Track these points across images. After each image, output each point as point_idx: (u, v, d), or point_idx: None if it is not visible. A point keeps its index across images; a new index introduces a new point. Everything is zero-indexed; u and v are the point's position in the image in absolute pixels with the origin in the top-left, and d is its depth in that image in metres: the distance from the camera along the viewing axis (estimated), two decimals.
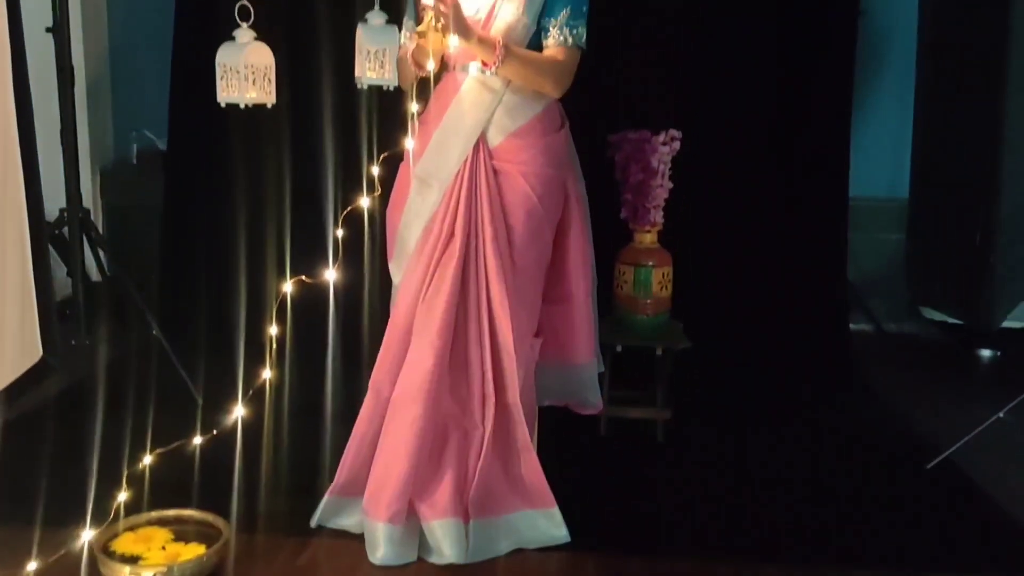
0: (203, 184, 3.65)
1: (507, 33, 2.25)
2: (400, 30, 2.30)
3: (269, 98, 2.24)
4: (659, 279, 2.99)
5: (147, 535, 2.27)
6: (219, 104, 2.22)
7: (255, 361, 2.61)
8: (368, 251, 2.74)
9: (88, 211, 3.14)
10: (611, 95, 3.47)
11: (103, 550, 2.18)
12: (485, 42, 2.18)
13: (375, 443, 2.32)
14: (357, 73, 2.19)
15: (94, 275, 3.27)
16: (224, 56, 2.19)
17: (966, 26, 3.51)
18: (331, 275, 2.47)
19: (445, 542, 2.26)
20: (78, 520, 2.24)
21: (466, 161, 2.30)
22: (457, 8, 2.11)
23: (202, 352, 3.25)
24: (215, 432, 2.53)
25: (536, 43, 2.31)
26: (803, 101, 3.59)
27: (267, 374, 2.53)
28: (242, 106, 2.19)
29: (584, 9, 2.29)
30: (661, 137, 2.93)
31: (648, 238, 3.01)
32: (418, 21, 2.19)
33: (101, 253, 3.20)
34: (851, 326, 3.78)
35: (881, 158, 4.07)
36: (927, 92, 3.79)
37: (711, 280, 3.50)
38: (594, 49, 2.42)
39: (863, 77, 3.85)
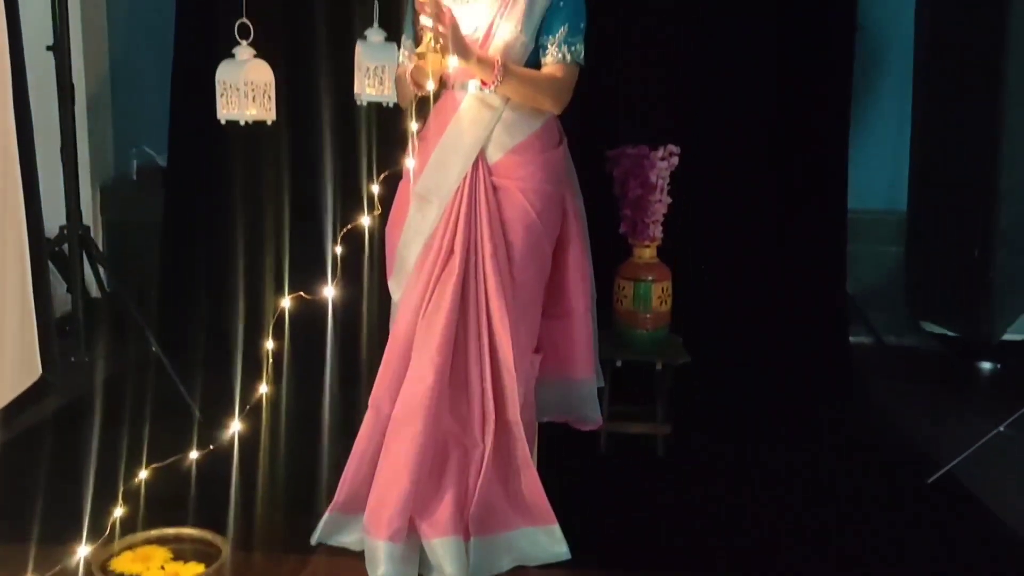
0: (203, 200, 3.65)
1: (505, 51, 2.26)
2: (399, 48, 2.31)
3: (269, 115, 2.24)
4: (658, 294, 2.99)
5: (146, 554, 2.27)
6: (219, 121, 2.22)
7: (254, 377, 2.61)
8: (367, 268, 2.74)
9: (88, 228, 3.14)
10: (610, 105, 3.48)
11: (102, 569, 2.17)
12: (484, 62, 2.19)
13: (375, 460, 2.32)
14: (356, 90, 2.20)
15: (94, 291, 3.27)
16: (224, 73, 2.19)
17: (963, 39, 3.52)
18: (330, 292, 2.47)
19: (446, 560, 2.25)
20: (75, 537, 2.23)
21: (465, 178, 2.30)
22: (456, 29, 2.12)
23: (201, 368, 3.25)
24: (211, 447, 2.53)
25: (534, 60, 2.32)
26: (801, 115, 3.60)
27: (263, 389, 2.52)
28: (242, 123, 2.19)
29: (582, 26, 2.30)
30: (660, 152, 2.93)
31: (647, 253, 3.02)
32: (416, 41, 2.20)
33: (101, 269, 3.21)
34: (851, 339, 3.78)
35: (879, 170, 4.07)
36: (924, 105, 3.80)
37: (711, 294, 3.50)
38: (592, 59, 2.42)
39: (861, 90, 3.86)
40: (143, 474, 2.41)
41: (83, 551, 2.18)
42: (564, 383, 2.56)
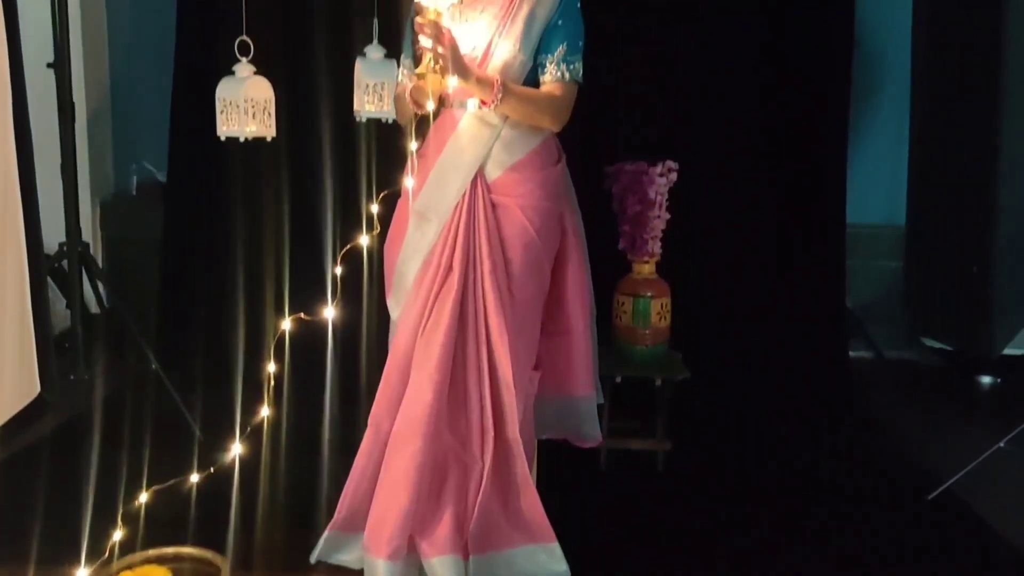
0: (203, 217, 3.66)
1: (504, 70, 2.26)
2: (398, 65, 2.32)
3: (269, 131, 2.25)
4: (658, 309, 2.99)
5: (145, 573, 2.25)
6: (219, 137, 2.23)
7: (253, 396, 2.60)
8: (367, 287, 2.74)
9: (88, 245, 3.14)
10: (610, 110, 3.49)
11: None
12: (483, 81, 2.20)
13: (375, 478, 2.31)
14: (356, 106, 2.20)
15: (93, 308, 3.27)
16: (224, 90, 2.20)
17: (960, 53, 3.53)
18: (330, 312, 2.47)
19: None
20: (74, 558, 2.22)
21: (464, 195, 2.30)
22: (455, 49, 2.12)
23: (201, 385, 3.24)
24: (211, 470, 2.51)
25: (533, 79, 2.32)
26: (800, 130, 3.62)
27: (265, 412, 2.51)
28: (242, 139, 2.20)
29: (580, 44, 2.30)
30: (658, 168, 2.94)
31: (646, 269, 3.02)
32: (416, 61, 2.21)
33: (100, 286, 3.21)
34: (850, 353, 3.78)
35: (878, 185, 4.08)
36: (922, 119, 3.81)
37: (710, 310, 3.50)
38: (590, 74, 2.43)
39: (858, 105, 3.87)
40: (143, 497, 2.40)
41: (82, 573, 2.17)
42: (564, 400, 2.55)
